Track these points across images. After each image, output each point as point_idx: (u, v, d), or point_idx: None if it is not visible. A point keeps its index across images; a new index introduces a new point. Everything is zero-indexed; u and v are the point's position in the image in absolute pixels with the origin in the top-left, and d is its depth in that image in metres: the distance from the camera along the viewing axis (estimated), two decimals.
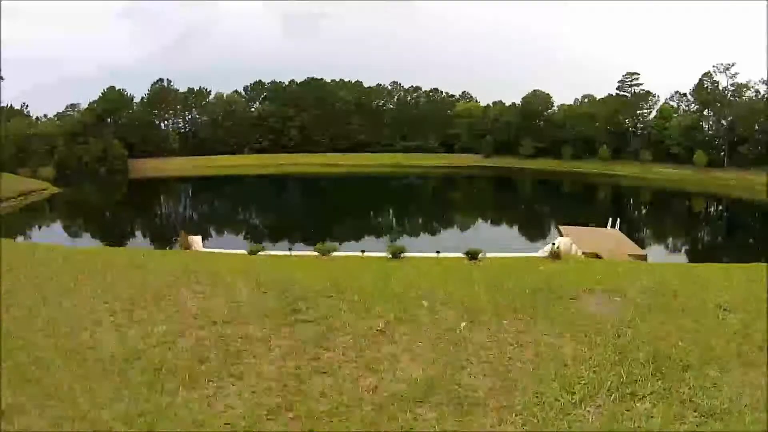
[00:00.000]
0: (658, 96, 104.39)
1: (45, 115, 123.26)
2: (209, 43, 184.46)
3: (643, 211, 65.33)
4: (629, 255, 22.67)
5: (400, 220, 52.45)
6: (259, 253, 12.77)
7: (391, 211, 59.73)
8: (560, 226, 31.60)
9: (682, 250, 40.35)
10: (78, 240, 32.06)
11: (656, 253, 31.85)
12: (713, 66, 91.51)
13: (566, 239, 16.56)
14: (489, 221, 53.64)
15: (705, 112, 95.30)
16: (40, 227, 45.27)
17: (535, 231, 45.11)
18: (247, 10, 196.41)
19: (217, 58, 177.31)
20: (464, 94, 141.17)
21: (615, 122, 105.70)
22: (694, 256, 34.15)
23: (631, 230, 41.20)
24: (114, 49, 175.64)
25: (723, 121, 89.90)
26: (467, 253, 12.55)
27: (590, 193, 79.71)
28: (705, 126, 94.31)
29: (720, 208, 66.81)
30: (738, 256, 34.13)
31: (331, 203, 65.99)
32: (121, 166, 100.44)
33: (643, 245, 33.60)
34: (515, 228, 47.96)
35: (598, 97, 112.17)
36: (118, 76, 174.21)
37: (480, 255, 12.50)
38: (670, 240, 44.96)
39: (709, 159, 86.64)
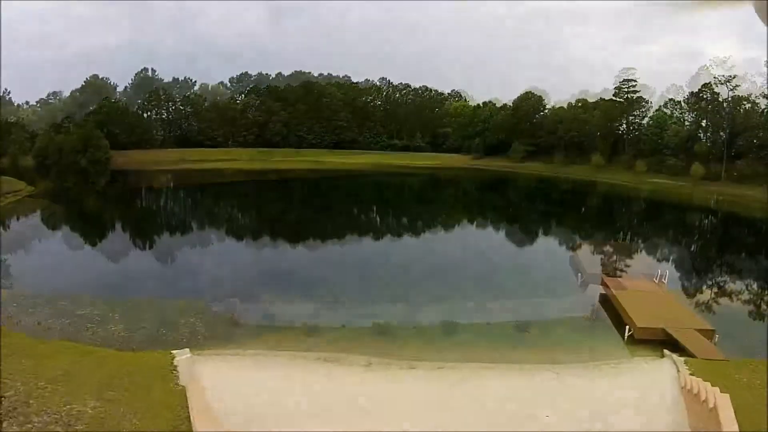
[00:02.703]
0: (651, 102, 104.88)
1: (27, 102, 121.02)
2: (196, 31, 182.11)
3: (647, 226, 60.16)
4: (696, 330, 20.56)
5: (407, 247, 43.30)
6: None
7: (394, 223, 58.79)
8: (604, 277, 28.17)
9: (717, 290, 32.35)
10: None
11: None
12: (714, 77, 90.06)
13: (694, 382, 13.57)
14: (496, 246, 45.27)
15: (703, 123, 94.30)
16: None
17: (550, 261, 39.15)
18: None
19: (203, 46, 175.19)
20: (454, 93, 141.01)
21: (609, 128, 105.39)
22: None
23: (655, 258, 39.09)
24: (100, 33, 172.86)
25: (722, 134, 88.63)
26: None
27: (589, 203, 77.83)
28: (703, 137, 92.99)
29: (745, 230, 59.25)
30: None
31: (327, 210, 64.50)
32: (103, 157, 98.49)
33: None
34: (529, 257, 40.60)
35: (591, 101, 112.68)
36: (102, 60, 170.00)
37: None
38: (695, 266, 39.28)
39: (706, 171, 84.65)
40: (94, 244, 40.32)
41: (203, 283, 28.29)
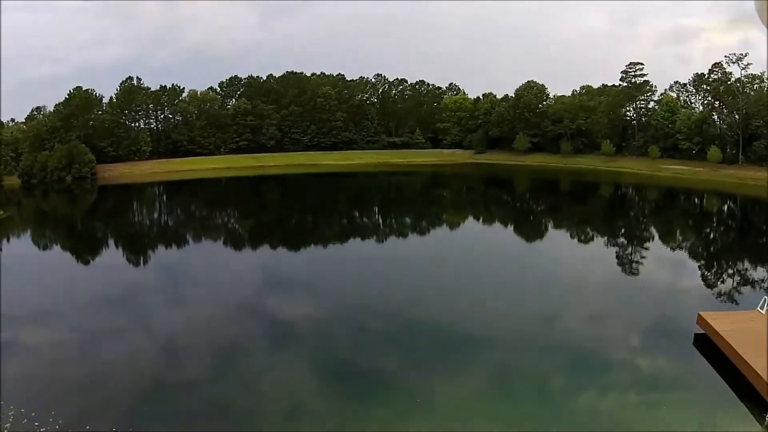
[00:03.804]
0: (656, 86, 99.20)
1: (13, 120, 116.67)
2: (185, 39, 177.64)
3: (678, 220, 53.65)
4: None
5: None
6: None
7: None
8: (702, 314, 19.85)
9: None
10: None
11: None
12: (725, 56, 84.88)
13: None
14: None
15: (716, 105, 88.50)
16: None
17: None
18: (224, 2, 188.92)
19: (192, 54, 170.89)
20: (451, 86, 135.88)
21: (617, 114, 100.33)
22: None
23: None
24: (91, 48, 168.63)
25: (736, 115, 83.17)
26: None
27: (605, 195, 73.05)
28: (717, 120, 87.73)
29: None
30: None
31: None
32: (89, 173, 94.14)
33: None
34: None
35: (596, 88, 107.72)
36: (93, 75, 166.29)
37: None
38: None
39: (723, 155, 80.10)
40: (53, 282, 35.43)
41: (166, 340, 22.54)
